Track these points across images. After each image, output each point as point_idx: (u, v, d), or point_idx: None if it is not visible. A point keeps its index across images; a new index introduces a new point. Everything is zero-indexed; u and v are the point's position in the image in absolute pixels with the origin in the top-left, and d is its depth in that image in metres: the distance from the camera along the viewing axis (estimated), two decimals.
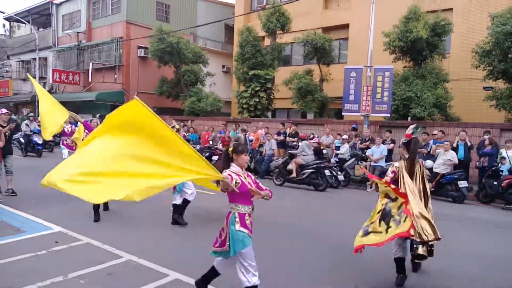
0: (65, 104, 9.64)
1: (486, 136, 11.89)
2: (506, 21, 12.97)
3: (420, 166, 4.83)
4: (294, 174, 12.05)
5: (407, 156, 4.84)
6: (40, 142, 16.68)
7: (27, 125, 17.11)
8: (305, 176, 11.84)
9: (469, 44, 15.47)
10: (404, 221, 4.27)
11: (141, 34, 23.53)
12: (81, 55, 27.27)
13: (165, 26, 22.49)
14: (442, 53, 15.82)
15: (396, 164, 4.88)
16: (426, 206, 4.62)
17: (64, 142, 11.18)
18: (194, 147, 9.55)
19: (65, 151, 11.00)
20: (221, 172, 3.62)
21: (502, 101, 13.61)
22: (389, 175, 4.86)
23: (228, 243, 3.71)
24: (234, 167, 3.75)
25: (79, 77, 26.83)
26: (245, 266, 3.66)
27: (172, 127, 7.75)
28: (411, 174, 4.74)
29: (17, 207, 7.68)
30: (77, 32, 27.47)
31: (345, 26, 20.98)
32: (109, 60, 25.25)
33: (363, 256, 4.84)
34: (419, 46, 14.99)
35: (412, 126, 5.25)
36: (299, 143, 13.05)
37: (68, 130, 11.44)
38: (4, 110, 8.92)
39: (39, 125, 13.70)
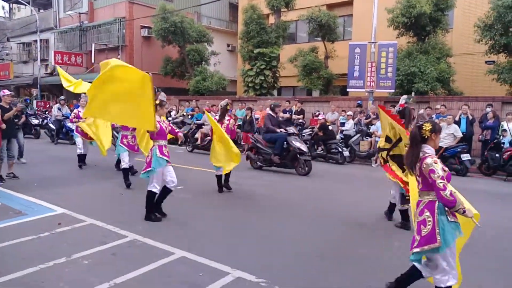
0: None
1: (488, 109, 12.22)
2: None
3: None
4: (199, 142, 14.40)
5: (402, 121, 5.41)
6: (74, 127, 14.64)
7: (59, 109, 16.33)
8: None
9: (471, 18, 15.66)
10: None
11: (144, 13, 23.57)
12: (83, 36, 27.34)
13: (168, 5, 22.52)
14: (445, 28, 16.02)
15: None
16: None
17: (79, 129, 10.26)
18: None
19: (79, 139, 10.37)
20: None
21: (503, 75, 13.90)
22: None
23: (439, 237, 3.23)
24: None
25: (81, 59, 26.94)
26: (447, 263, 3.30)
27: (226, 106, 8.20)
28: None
29: (18, 190, 7.57)
30: (79, 13, 27.44)
31: (349, 3, 21.10)
32: (112, 40, 25.34)
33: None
34: (422, 21, 15.18)
35: (404, 96, 5.84)
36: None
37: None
38: (7, 92, 8.72)
39: (71, 110, 13.49)
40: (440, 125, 10.71)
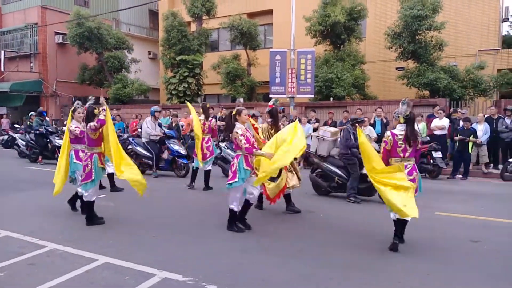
0: None
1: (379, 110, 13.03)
2: (413, 5, 14.17)
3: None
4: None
5: (270, 120, 6.58)
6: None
7: (40, 122, 13.85)
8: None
9: (382, 27, 16.63)
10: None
11: (58, 19, 22.23)
12: None
13: (83, 10, 21.52)
14: (358, 37, 16.85)
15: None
16: None
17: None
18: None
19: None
20: None
21: (412, 80, 14.89)
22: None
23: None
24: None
25: None
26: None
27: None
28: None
29: None
30: None
31: (269, 12, 21.50)
32: (23, 47, 23.61)
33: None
34: (337, 30, 15.83)
35: (273, 99, 6.81)
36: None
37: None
38: None
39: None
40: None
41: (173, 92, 19.71)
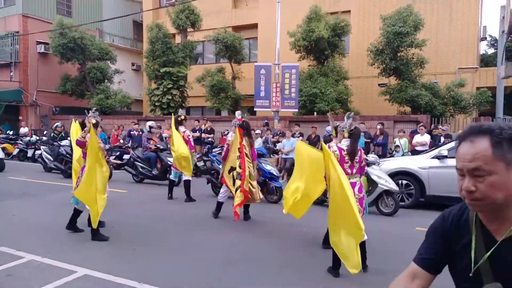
0: None
1: (378, 127, 13.18)
2: (395, 22, 14.48)
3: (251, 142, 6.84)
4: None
5: (243, 132, 6.71)
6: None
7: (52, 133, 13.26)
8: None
9: (365, 44, 16.92)
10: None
11: (40, 28, 21.84)
12: None
13: (66, 20, 21.24)
14: (342, 53, 17.11)
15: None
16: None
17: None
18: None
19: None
20: None
21: (394, 95, 15.15)
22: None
23: None
24: None
25: None
26: None
27: (178, 117, 8.36)
28: (250, 146, 6.76)
29: None
30: None
31: (254, 26, 21.66)
32: (3, 56, 23.09)
33: None
34: (321, 45, 16.03)
35: (238, 112, 7.10)
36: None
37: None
38: None
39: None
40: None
41: (156, 104, 19.58)
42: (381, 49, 15.17)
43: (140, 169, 11.54)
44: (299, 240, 5.96)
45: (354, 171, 4.73)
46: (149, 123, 11.65)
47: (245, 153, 6.63)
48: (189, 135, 8.88)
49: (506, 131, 1.26)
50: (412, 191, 8.56)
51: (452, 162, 8.22)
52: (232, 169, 6.84)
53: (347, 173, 4.55)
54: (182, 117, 8.81)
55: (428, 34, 15.99)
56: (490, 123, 1.30)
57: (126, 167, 12.17)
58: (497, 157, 1.24)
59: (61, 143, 12.74)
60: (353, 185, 4.59)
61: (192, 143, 9.11)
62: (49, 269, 4.53)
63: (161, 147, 11.59)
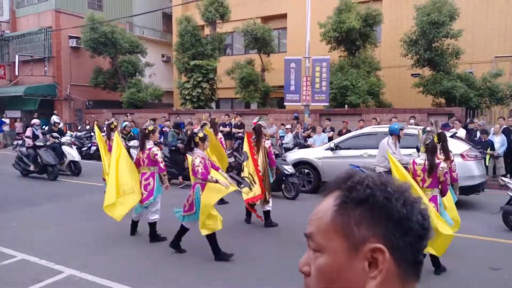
0: None
1: (412, 121, 12.94)
2: (430, 12, 14.05)
3: (264, 146, 6.82)
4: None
5: (253, 137, 6.89)
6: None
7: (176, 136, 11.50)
8: None
9: (398, 33, 16.50)
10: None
11: (72, 23, 22.33)
12: (5, 47, 25.38)
13: (97, 14, 21.57)
14: (374, 43, 16.76)
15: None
16: (264, 174, 6.74)
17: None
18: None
19: None
20: None
21: (428, 87, 14.81)
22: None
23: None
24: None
25: (4, 70, 24.89)
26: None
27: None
28: (257, 151, 6.76)
29: None
30: (0, 22, 25.49)
31: (283, 16, 21.44)
32: (37, 51, 23.75)
33: None
34: (352, 36, 15.76)
35: (257, 117, 7.19)
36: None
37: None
38: None
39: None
40: None
41: (187, 97, 19.79)
42: (415, 40, 14.79)
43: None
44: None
45: (426, 185, 4.85)
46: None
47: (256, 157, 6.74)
48: (221, 138, 9.11)
49: (361, 190, 0.77)
50: (312, 178, 10.03)
51: (342, 153, 9.74)
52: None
53: (418, 186, 4.78)
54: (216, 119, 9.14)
55: (464, 22, 15.46)
56: (357, 174, 0.82)
57: None
58: (336, 227, 0.77)
59: (130, 143, 11.67)
60: None
61: (224, 145, 9.32)
62: (88, 286, 4.61)
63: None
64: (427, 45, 14.47)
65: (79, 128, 20.62)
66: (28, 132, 12.03)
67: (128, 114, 19.42)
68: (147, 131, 6.34)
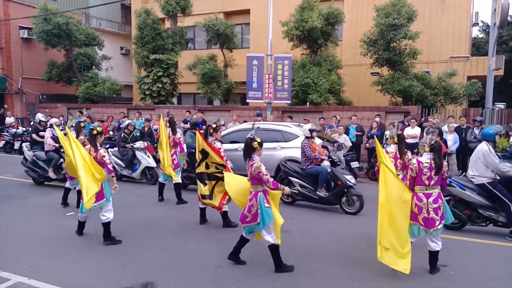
0: None
1: (377, 119, 13.24)
2: (389, 14, 14.37)
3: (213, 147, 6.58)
4: None
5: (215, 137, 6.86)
6: None
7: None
8: None
9: (358, 32, 16.78)
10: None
11: (23, 13, 21.10)
12: None
13: (51, 4, 20.51)
14: (335, 41, 16.94)
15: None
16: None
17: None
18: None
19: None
20: None
21: (386, 86, 15.18)
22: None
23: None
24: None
25: None
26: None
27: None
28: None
29: None
30: None
31: (247, 12, 21.27)
32: None
33: None
34: (314, 34, 15.85)
35: (216, 120, 7.32)
36: None
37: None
38: None
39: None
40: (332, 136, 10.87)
41: (146, 92, 19.26)
42: (374, 40, 15.09)
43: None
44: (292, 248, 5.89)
45: (432, 182, 5.01)
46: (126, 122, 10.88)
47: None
48: (180, 138, 8.83)
49: None
50: None
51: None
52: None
53: (423, 184, 5.02)
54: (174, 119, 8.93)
55: (421, 23, 15.94)
56: None
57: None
58: None
59: (135, 145, 11.07)
60: (428, 195, 4.99)
61: (184, 147, 9.08)
62: None
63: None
64: (385, 45, 14.80)
65: (31, 123, 19.63)
66: (48, 133, 10.20)
67: (84, 109, 18.67)
68: (95, 132, 6.09)
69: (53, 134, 9.93)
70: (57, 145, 9.83)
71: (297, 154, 8.55)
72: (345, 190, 7.94)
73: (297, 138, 10.27)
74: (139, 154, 10.73)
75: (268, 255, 5.03)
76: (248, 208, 4.97)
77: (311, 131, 8.23)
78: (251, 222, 4.97)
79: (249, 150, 5.01)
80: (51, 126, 10.15)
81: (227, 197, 6.46)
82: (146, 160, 10.69)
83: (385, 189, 4.88)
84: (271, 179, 4.90)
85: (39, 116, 11.32)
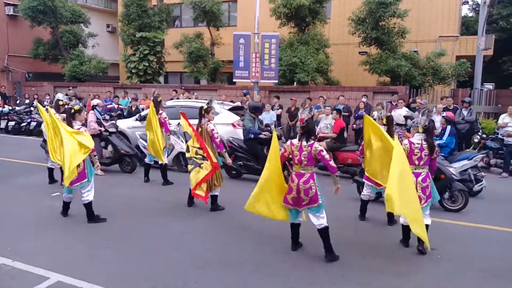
0: None
1: (364, 99, 13.16)
2: None
3: (206, 129, 6.54)
4: None
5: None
6: None
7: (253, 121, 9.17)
8: None
9: (347, 10, 16.53)
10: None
11: None
12: None
13: None
14: (323, 20, 16.67)
15: None
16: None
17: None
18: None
19: None
20: None
21: (374, 66, 15.04)
22: None
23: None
24: None
25: None
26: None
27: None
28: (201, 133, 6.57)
29: None
30: None
31: None
32: None
33: None
34: (302, 12, 15.58)
35: (208, 100, 6.96)
36: None
37: None
38: None
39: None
40: (319, 116, 10.80)
41: (133, 71, 19.02)
42: (362, 18, 14.87)
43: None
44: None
45: (422, 163, 5.15)
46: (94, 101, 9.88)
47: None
48: (165, 117, 8.71)
49: None
50: None
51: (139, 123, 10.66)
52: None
53: (413, 164, 5.12)
54: (159, 98, 8.58)
55: (410, 1, 15.71)
56: None
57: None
58: None
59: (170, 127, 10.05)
60: (417, 174, 5.11)
61: (168, 126, 8.92)
62: (21, 275, 4.42)
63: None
64: (374, 24, 14.59)
65: (17, 102, 19.41)
66: (92, 116, 9.23)
67: (70, 88, 18.43)
68: (73, 111, 5.91)
69: (97, 118, 9.33)
70: (102, 129, 9.32)
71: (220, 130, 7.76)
72: (450, 185, 6.98)
73: (218, 115, 9.77)
74: (173, 138, 9.52)
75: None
76: (305, 191, 4.72)
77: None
78: (310, 204, 4.77)
79: (310, 132, 4.82)
80: (93, 107, 9.46)
81: (202, 185, 6.44)
82: (180, 145, 9.51)
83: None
84: (333, 164, 4.83)
85: (59, 96, 10.59)
